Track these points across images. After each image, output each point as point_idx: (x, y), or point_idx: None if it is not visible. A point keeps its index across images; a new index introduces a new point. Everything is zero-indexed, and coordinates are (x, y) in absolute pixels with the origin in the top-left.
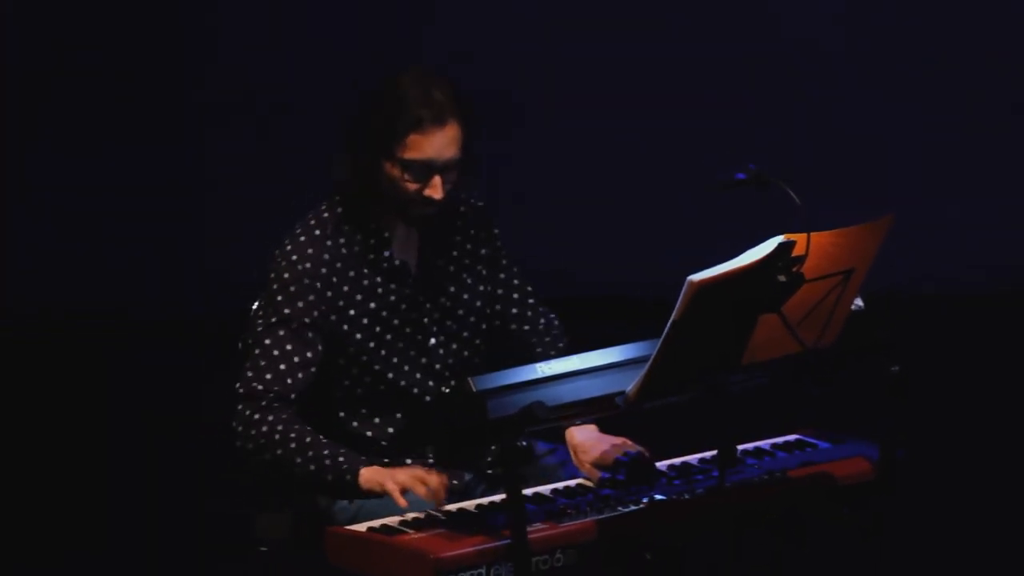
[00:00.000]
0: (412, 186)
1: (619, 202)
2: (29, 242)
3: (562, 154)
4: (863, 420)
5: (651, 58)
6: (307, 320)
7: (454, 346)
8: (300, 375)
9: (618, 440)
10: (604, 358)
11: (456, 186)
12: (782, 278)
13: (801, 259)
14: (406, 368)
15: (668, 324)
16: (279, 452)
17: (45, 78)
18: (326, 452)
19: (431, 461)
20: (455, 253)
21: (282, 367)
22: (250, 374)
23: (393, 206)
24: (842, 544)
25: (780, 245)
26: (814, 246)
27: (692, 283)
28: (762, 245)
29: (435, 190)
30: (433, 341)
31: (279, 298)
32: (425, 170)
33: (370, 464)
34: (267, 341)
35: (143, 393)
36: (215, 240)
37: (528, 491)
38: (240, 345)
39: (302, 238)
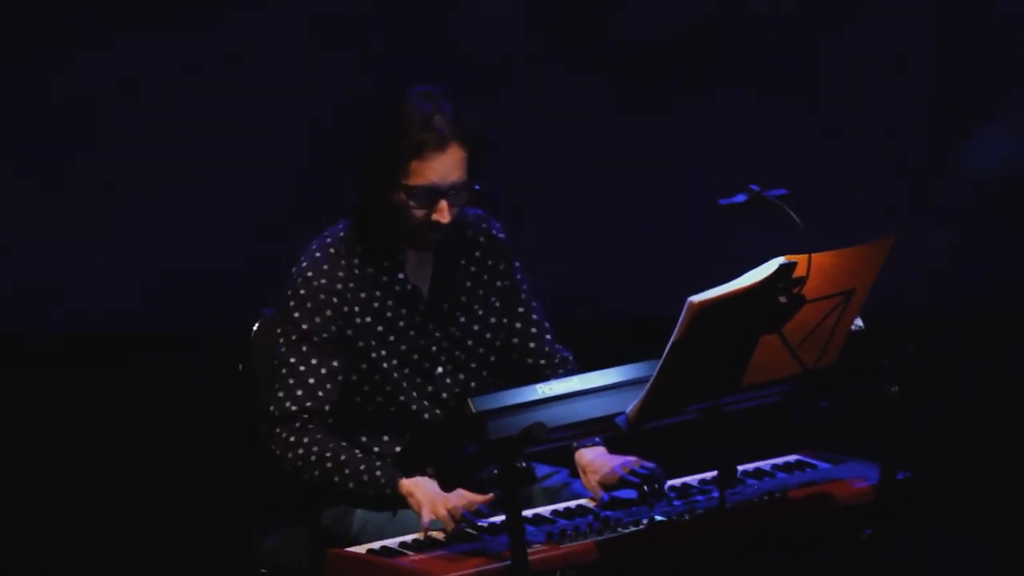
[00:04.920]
0: (418, 212)
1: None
2: None
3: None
4: (863, 440)
5: None
6: (326, 335)
7: (461, 376)
8: (329, 386)
9: (628, 458)
10: (604, 379)
11: (464, 208)
12: (783, 299)
13: (802, 280)
14: (413, 394)
15: (668, 345)
16: (317, 473)
17: None
18: (363, 468)
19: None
20: (469, 283)
21: (311, 382)
22: (281, 395)
23: (401, 232)
24: (844, 564)
25: (781, 266)
26: (815, 267)
27: (692, 304)
28: (763, 266)
29: (441, 214)
30: (440, 370)
31: (297, 315)
32: (430, 195)
33: (408, 476)
34: (292, 360)
35: (146, 412)
36: None
37: (528, 512)
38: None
39: (318, 254)
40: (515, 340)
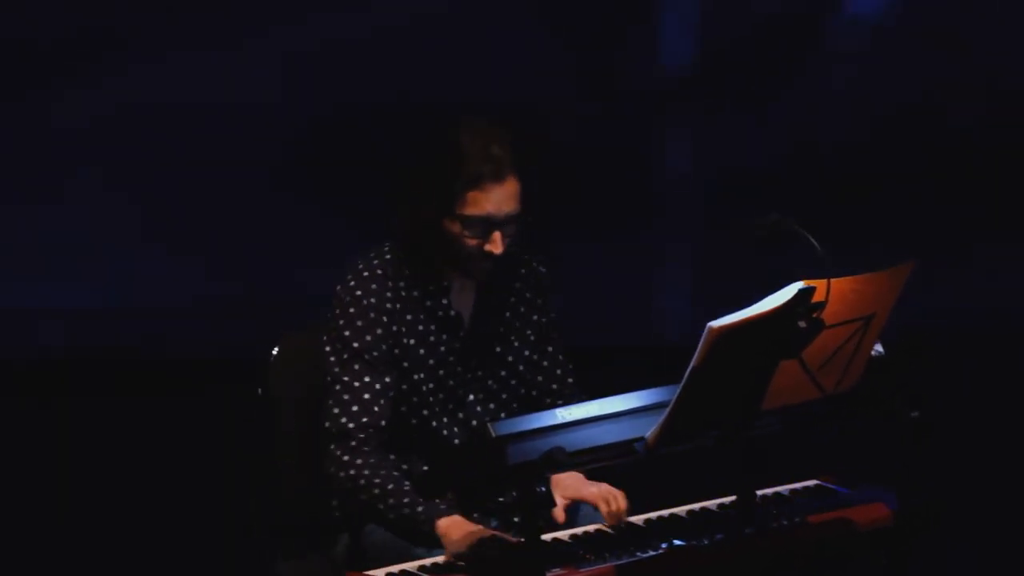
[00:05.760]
0: (472, 242)
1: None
2: None
3: None
4: (883, 466)
5: None
6: (377, 353)
7: (492, 406)
8: (383, 402)
9: (602, 487)
10: (623, 404)
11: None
12: (802, 324)
13: (821, 305)
14: (445, 419)
15: (688, 370)
16: (364, 498)
17: None
18: (406, 501)
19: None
20: (508, 314)
21: (366, 397)
22: (336, 411)
23: (452, 260)
24: None
25: (800, 291)
26: (834, 292)
27: (712, 329)
28: (782, 291)
29: (495, 245)
30: (472, 397)
31: (347, 333)
32: (485, 226)
33: (449, 514)
34: (346, 378)
35: (162, 435)
36: None
37: (547, 536)
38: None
39: (365, 274)
40: (540, 378)
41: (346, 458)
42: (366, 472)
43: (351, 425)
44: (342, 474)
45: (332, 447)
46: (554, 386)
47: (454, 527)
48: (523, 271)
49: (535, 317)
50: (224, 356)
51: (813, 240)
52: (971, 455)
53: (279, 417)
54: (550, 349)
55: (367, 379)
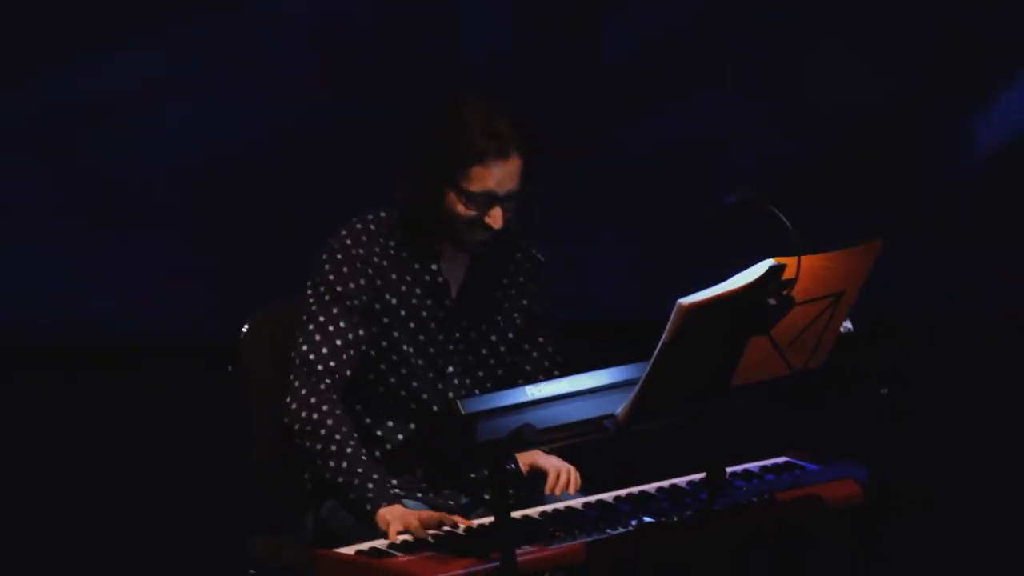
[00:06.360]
0: (472, 215)
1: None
2: None
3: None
4: (852, 443)
5: None
6: (357, 302)
7: (468, 381)
8: (353, 352)
9: (559, 465)
10: (593, 381)
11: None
12: (772, 301)
13: (791, 282)
14: (425, 385)
15: (658, 347)
16: (319, 447)
17: None
18: (359, 471)
19: (442, 501)
20: (498, 294)
21: (338, 343)
22: (305, 348)
23: (450, 231)
24: (835, 567)
25: (770, 268)
26: (804, 269)
27: (682, 306)
28: (752, 268)
29: (495, 220)
30: (450, 369)
31: (331, 277)
32: (487, 201)
33: (393, 502)
34: (321, 318)
35: (136, 415)
36: None
37: (517, 514)
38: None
39: (358, 226)
40: (527, 367)
41: (312, 400)
42: (329, 422)
43: (319, 367)
44: (304, 414)
45: (297, 384)
46: (540, 377)
47: (390, 513)
48: (519, 256)
49: (525, 302)
50: (193, 333)
51: (783, 217)
52: (952, 435)
53: (249, 394)
54: (540, 340)
55: (342, 324)
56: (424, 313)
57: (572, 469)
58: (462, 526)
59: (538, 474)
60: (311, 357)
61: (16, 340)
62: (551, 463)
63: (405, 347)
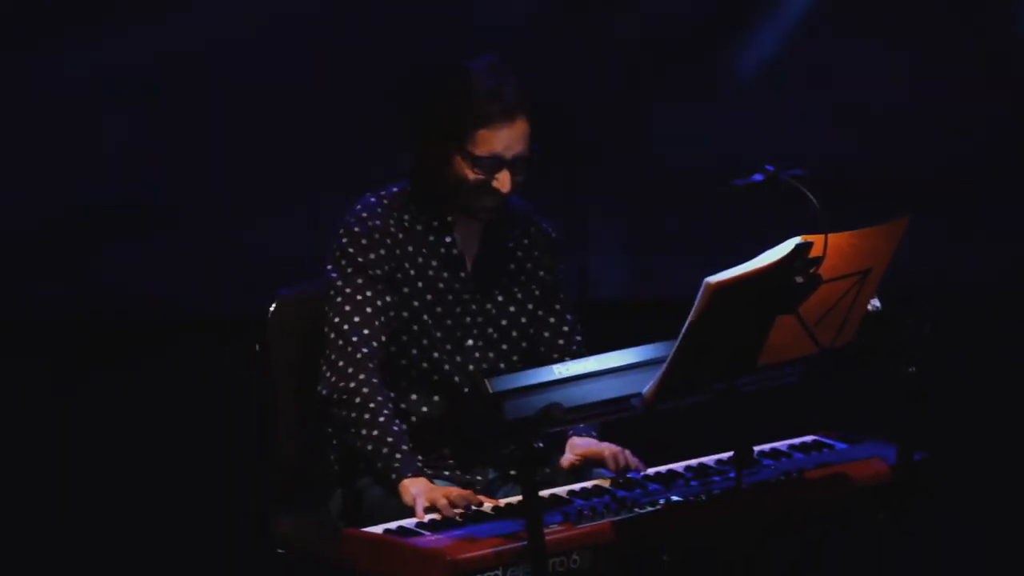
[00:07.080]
0: (480, 179)
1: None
2: None
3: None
4: (881, 421)
5: None
6: (380, 271)
7: (490, 354)
8: (383, 319)
9: (615, 448)
10: (621, 359)
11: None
12: (799, 279)
13: (818, 260)
14: (445, 356)
15: (685, 325)
16: (353, 415)
17: None
18: (389, 439)
19: (469, 477)
20: (513, 266)
21: (368, 310)
22: (337, 320)
23: (459, 196)
24: (862, 545)
25: (797, 246)
26: (831, 247)
27: (709, 285)
28: (779, 246)
29: (503, 183)
30: (470, 342)
31: (351, 250)
32: (494, 164)
33: (418, 474)
34: (348, 290)
35: (163, 392)
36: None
37: (545, 492)
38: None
39: (372, 200)
40: (546, 334)
41: (350, 370)
42: (365, 390)
43: (354, 337)
44: (341, 384)
45: (333, 356)
46: (560, 342)
47: (414, 484)
48: (532, 229)
49: (542, 273)
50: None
51: (810, 195)
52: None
53: (275, 375)
54: (557, 307)
55: (369, 293)
56: (441, 285)
57: (628, 452)
58: (488, 505)
59: (595, 462)
60: (345, 327)
61: (52, 316)
62: (604, 447)
63: (425, 317)
